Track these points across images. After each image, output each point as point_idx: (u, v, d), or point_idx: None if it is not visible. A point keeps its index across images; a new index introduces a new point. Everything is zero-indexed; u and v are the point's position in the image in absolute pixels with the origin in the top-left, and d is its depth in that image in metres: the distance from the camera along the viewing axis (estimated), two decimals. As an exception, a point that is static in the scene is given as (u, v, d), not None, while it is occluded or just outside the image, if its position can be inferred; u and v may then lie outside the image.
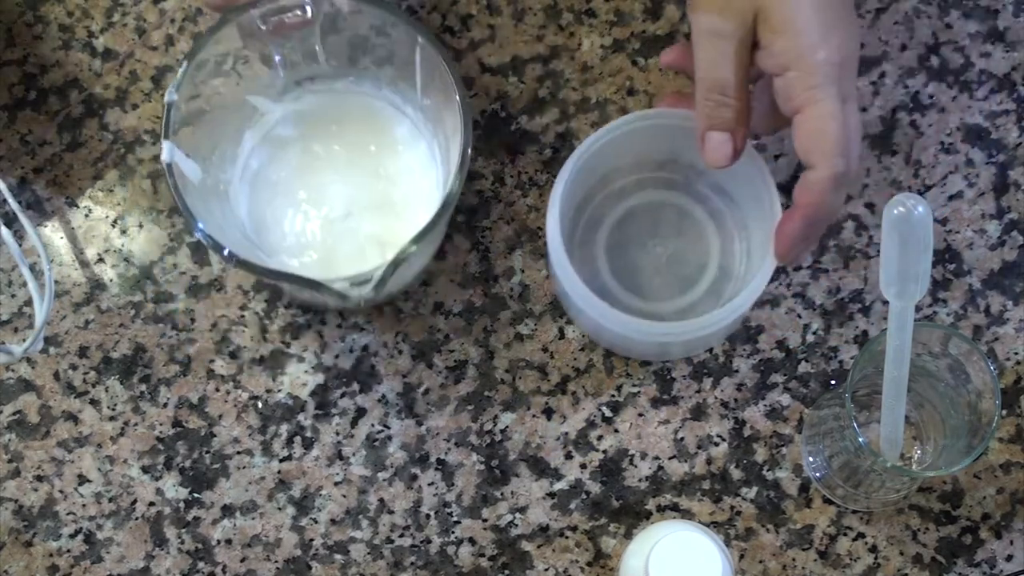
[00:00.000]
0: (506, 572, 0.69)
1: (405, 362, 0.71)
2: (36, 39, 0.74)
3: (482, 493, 0.70)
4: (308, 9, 0.64)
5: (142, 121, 0.73)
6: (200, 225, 0.61)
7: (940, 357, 0.64)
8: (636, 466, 0.70)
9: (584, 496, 0.70)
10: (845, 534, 0.69)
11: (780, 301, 0.71)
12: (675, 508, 0.69)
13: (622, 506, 0.70)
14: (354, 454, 0.70)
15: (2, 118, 0.73)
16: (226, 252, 0.61)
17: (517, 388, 0.71)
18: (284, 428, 0.71)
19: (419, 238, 0.61)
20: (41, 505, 0.70)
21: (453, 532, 0.70)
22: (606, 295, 0.68)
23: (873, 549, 0.69)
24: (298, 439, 0.70)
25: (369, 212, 0.69)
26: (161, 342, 0.71)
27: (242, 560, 0.70)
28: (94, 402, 0.71)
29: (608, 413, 0.70)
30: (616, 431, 0.70)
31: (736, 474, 0.70)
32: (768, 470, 0.70)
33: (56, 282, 0.72)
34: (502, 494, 0.70)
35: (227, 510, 0.70)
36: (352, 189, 0.69)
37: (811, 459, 0.69)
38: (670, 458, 0.70)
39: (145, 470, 0.70)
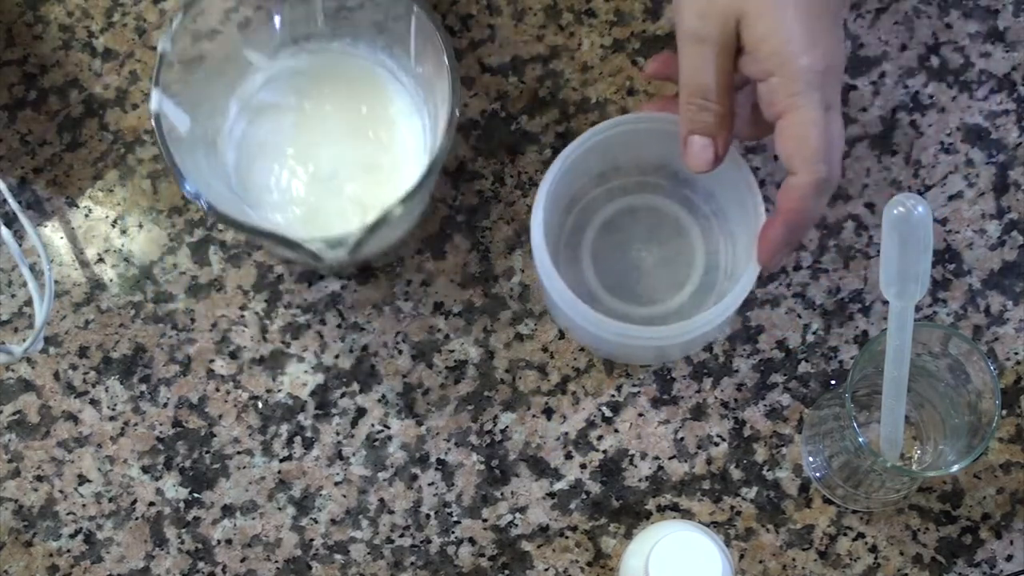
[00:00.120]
0: (506, 572, 0.69)
1: (405, 362, 0.71)
2: (36, 39, 0.74)
3: (482, 493, 0.70)
4: None
5: (142, 121, 0.73)
6: (184, 178, 0.62)
7: (940, 357, 0.64)
8: (636, 466, 0.70)
9: (584, 496, 0.70)
10: (845, 534, 0.69)
11: (780, 301, 0.71)
12: (675, 508, 0.69)
13: (622, 506, 0.70)
14: (354, 454, 0.70)
15: (2, 118, 0.73)
16: (204, 203, 0.62)
17: (517, 388, 0.71)
18: (284, 428, 0.71)
19: (404, 200, 0.62)
20: (41, 505, 0.70)
21: (453, 532, 0.70)
22: (591, 299, 0.68)
23: (873, 549, 0.69)
24: (298, 439, 0.70)
25: (355, 174, 0.69)
26: (161, 342, 0.71)
27: (242, 560, 0.70)
28: (94, 402, 0.71)
29: (608, 413, 0.70)
30: (616, 431, 0.70)
31: (736, 474, 0.70)
32: (768, 470, 0.70)
33: (56, 282, 0.72)
34: (502, 494, 0.70)
35: (227, 510, 0.70)
36: (340, 150, 0.70)
37: (811, 459, 0.69)
38: (670, 458, 0.70)
39: (145, 470, 0.70)
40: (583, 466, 0.70)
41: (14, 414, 0.71)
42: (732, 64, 0.59)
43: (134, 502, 0.70)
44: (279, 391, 0.71)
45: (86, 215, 0.73)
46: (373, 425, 0.70)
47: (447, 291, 0.71)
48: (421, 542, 0.70)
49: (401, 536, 0.70)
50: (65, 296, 0.72)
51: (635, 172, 0.70)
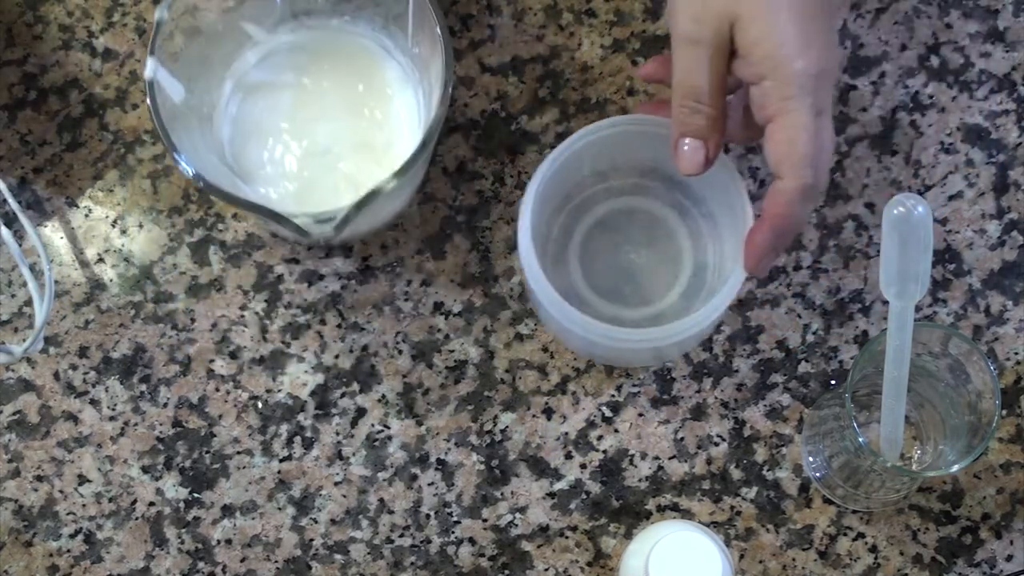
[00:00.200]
0: (506, 572, 0.69)
1: (405, 362, 0.71)
2: (36, 39, 0.74)
3: (482, 493, 0.70)
4: None
5: (142, 121, 0.73)
6: (173, 145, 0.62)
7: (940, 357, 0.64)
8: (636, 466, 0.70)
9: (584, 496, 0.70)
10: (845, 534, 0.69)
11: (780, 301, 0.71)
12: (675, 508, 0.69)
13: (622, 506, 0.70)
14: (354, 454, 0.70)
15: (2, 118, 0.73)
16: (192, 173, 0.62)
17: (517, 388, 0.71)
18: (284, 428, 0.71)
19: (397, 174, 0.62)
20: (41, 505, 0.70)
21: (453, 532, 0.70)
22: (577, 300, 0.68)
23: (873, 549, 0.69)
24: (298, 439, 0.70)
25: (349, 151, 0.69)
26: (161, 342, 0.71)
27: (242, 560, 0.70)
28: (94, 402, 0.71)
29: (608, 413, 0.70)
30: (616, 431, 0.70)
31: (736, 474, 0.70)
32: (768, 470, 0.70)
33: (56, 282, 0.72)
34: (502, 494, 0.70)
35: (227, 510, 0.70)
36: (335, 126, 0.70)
37: (811, 459, 0.69)
38: (670, 458, 0.70)
39: (145, 470, 0.70)
40: (583, 466, 0.70)
41: (14, 414, 0.71)
42: (725, 67, 0.59)
43: (134, 502, 0.70)
44: (279, 391, 0.71)
45: (86, 215, 0.73)
46: (373, 425, 0.70)
47: (447, 291, 0.71)
48: (421, 542, 0.70)
49: (401, 536, 0.70)
50: (65, 296, 0.72)
51: (626, 174, 0.70)
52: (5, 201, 0.71)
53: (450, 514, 0.70)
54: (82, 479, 0.70)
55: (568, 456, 0.70)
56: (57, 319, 0.72)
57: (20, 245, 0.71)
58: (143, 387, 0.71)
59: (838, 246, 0.71)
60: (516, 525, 0.70)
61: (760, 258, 0.61)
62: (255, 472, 0.70)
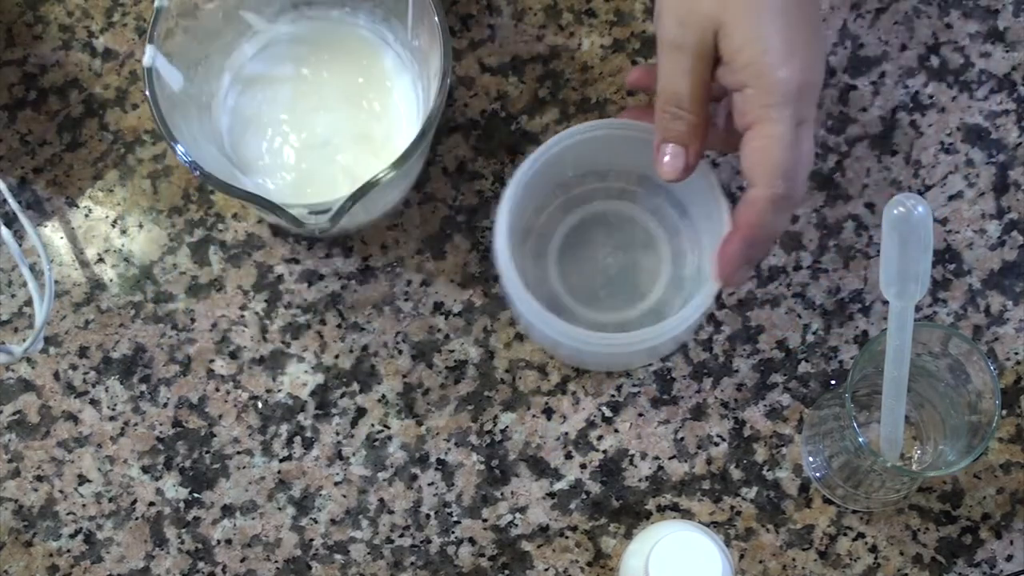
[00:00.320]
0: (506, 572, 0.69)
1: (405, 362, 0.71)
2: (36, 39, 0.74)
3: (482, 493, 0.70)
4: None
5: (142, 121, 0.73)
6: (172, 133, 0.62)
7: (940, 357, 0.64)
8: (636, 466, 0.70)
9: (584, 496, 0.70)
10: (845, 534, 0.69)
11: (780, 301, 0.71)
12: (675, 508, 0.69)
13: (622, 506, 0.70)
14: (354, 454, 0.70)
15: (2, 118, 0.73)
16: (188, 160, 0.62)
17: (517, 388, 0.71)
18: (284, 428, 0.71)
19: (395, 165, 0.62)
20: (41, 505, 0.70)
21: (453, 532, 0.70)
22: (553, 302, 0.68)
23: (873, 549, 0.69)
24: (298, 439, 0.70)
25: (348, 143, 0.70)
26: (161, 342, 0.71)
27: (242, 560, 0.70)
28: (94, 402, 0.71)
29: (608, 413, 0.70)
30: (616, 431, 0.70)
31: (736, 474, 0.70)
32: (768, 470, 0.70)
33: (56, 282, 0.72)
34: (502, 494, 0.70)
35: (227, 510, 0.70)
36: (335, 118, 0.70)
37: (811, 459, 0.69)
38: (670, 458, 0.70)
39: (145, 470, 0.70)
40: (583, 466, 0.70)
41: (14, 414, 0.71)
42: (709, 74, 0.59)
43: (134, 502, 0.70)
44: (279, 391, 0.71)
45: (86, 215, 0.73)
46: (373, 425, 0.70)
47: (447, 291, 0.71)
48: (421, 542, 0.70)
49: (401, 536, 0.70)
50: (65, 296, 0.72)
51: (608, 178, 0.70)
52: (5, 201, 0.71)
53: (450, 514, 0.70)
54: (82, 479, 0.70)
55: (568, 456, 0.70)
56: (57, 319, 0.72)
57: (20, 245, 0.71)
58: (143, 387, 0.71)
59: (838, 246, 0.71)
60: (516, 525, 0.70)
61: (732, 268, 0.60)
62: (255, 472, 0.70)
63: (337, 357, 0.71)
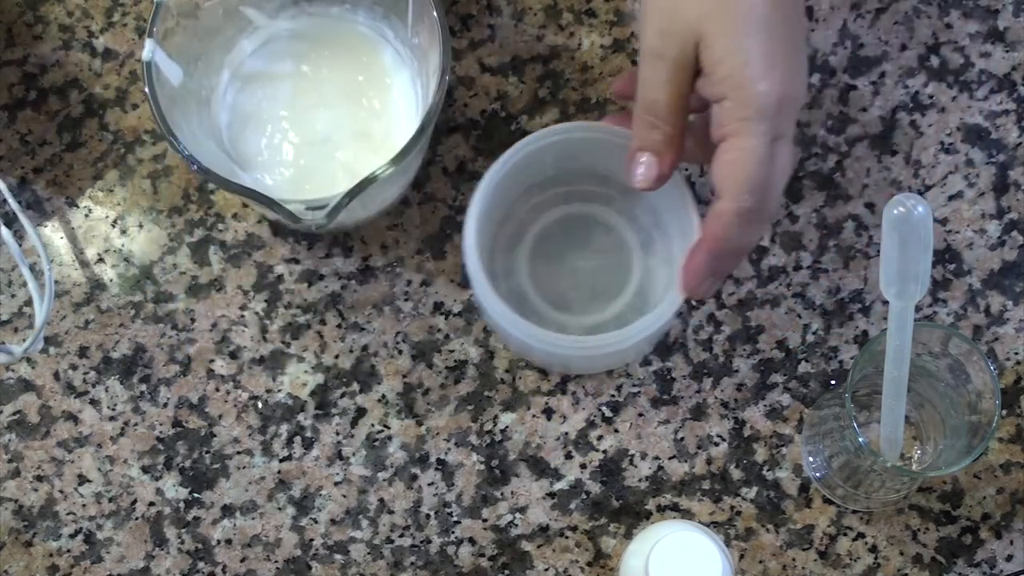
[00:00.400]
0: (506, 572, 0.69)
1: (405, 362, 0.71)
2: (36, 39, 0.74)
3: (482, 493, 0.70)
4: None
5: (142, 121, 0.73)
6: (170, 127, 0.62)
7: (940, 357, 0.64)
8: (636, 466, 0.70)
9: (584, 496, 0.70)
10: (845, 534, 0.69)
11: (780, 301, 0.71)
12: (675, 508, 0.69)
13: (622, 506, 0.70)
14: (354, 454, 0.70)
15: (2, 118, 0.73)
16: (187, 154, 0.62)
17: (517, 388, 0.71)
18: (284, 428, 0.71)
19: (394, 161, 0.62)
20: (41, 505, 0.70)
21: (453, 532, 0.70)
22: (521, 302, 0.68)
23: (873, 549, 0.69)
24: (298, 439, 0.70)
25: (347, 140, 0.70)
26: (161, 342, 0.71)
27: (242, 560, 0.70)
28: (94, 402, 0.71)
29: (608, 413, 0.70)
30: (616, 431, 0.70)
31: (736, 474, 0.70)
32: (768, 470, 0.70)
33: (56, 282, 0.72)
34: (502, 494, 0.70)
35: (227, 510, 0.70)
36: (334, 114, 0.70)
37: (811, 459, 0.69)
38: (670, 458, 0.70)
39: (145, 470, 0.70)
40: (583, 466, 0.70)
41: (14, 414, 0.71)
42: (689, 85, 0.58)
43: (134, 502, 0.70)
44: (279, 391, 0.71)
45: (86, 215, 0.73)
46: (373, 425, 0.70)
47: (447, 291, 0.71)
48: (421, 542, 0.70)
49: (401, 536, 0.70)
50: (65, 296, 0.72)
51: (583, 182, 0.69)
52: (5, 201, 0.71)
53: (450, 514, 0.70)
54: (82, 479, 0.70)
55: (568, 456, 0.70)
56: (57, 319, 0.72)
57: (20, 245, 0.71)
58: (143, 387, 0.71)
59: (838, 246, 0.71)
60: (516, 525, 0.70)
61: (697, 280, 0.60)
62: (255, 472, 0.70)
63: (337, 357, 0.71)
